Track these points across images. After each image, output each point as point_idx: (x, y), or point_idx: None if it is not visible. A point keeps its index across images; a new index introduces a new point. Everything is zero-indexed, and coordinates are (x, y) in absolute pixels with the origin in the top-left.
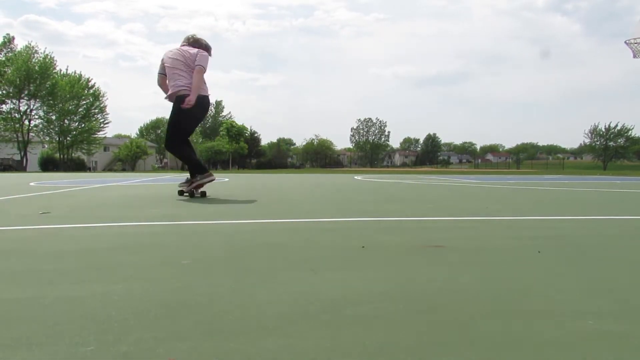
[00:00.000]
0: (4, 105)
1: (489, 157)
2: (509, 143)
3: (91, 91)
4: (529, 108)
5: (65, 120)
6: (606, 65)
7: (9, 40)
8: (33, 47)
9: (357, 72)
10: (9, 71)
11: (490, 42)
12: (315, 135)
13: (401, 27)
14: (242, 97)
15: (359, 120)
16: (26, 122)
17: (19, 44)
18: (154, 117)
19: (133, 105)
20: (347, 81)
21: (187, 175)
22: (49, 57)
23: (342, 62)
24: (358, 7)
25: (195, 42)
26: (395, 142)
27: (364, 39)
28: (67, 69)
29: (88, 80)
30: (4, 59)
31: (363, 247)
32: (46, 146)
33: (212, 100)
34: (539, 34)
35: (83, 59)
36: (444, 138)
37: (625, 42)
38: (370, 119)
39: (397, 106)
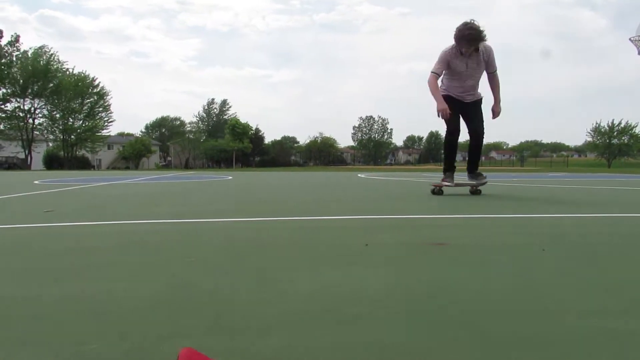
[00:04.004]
0: (8, 104)
1: (493, 154)
2: (512, 141)
3: (96, 90)
4: (533, 105)
5: (70, 119)
6: (613, 63)
7: (15, 39)
8: (42, 48)
9: (373, 69)
10: (14, 70)
11: (513, 37)
12: (320, 133)
13: (424, 22)
14: (252, 94)
15: (361, 118)
16: (30, 120)
17: (34, 40)
18: (159, 115)
19: (140, 102)
20: (362, 78)
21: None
22: (54, 56)
23: (360, 59)
24: (382, 1)
25: None
26: (399, 140)
27: (384, 35)
28: (73, 69)
29: (93, 80)
30: (9, 60)
31: (366, 245)
32: (50, 144)
33: (218, 99)
34: (561, 30)
35: (95, 55)
36: None
37: (629, 39)
38: (372, 116)
39: (407, 103)
